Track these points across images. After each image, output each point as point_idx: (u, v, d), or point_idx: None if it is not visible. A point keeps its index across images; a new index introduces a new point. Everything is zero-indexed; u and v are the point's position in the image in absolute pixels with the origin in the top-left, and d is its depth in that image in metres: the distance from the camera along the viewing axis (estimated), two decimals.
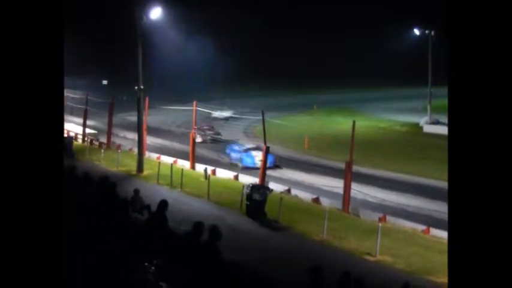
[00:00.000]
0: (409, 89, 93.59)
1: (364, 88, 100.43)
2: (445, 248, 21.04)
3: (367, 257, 22.55)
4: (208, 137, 55.77)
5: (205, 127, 57.64)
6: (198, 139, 48.69)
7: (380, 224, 24.56)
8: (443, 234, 25.47)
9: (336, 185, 33.44)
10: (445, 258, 19.90)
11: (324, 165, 42.67)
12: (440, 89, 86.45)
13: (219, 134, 57.28)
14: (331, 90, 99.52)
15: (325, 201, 31.22)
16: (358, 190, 32.19)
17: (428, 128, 63.13)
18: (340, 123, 60.90)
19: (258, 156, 40.57)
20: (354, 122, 31.84)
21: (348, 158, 30.83)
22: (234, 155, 45.16)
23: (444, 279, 20.10)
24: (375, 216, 28.30)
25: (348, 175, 30.69)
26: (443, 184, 36.06)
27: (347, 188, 30.42)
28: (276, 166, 41.51)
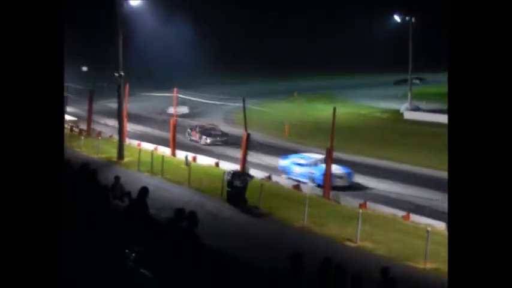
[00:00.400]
0: (390, 76, 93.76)
1: (345, 75, 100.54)
2: (425, 233, 21.23)
3: (348, 243, 22.65)
4: (218, 139, 47.36)
5: (207, 127, 49.67)
6: (203, 141, 46.41)
7: (360, 210, 24.66)
8: (423, 220, 25.67)
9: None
10: (424, 244, 19.96)
11: (305, 152, 42.72)
12: (420, 75, 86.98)
13: (226, 135, 48.19)
14: (312, 76, 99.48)
15: (305, 188, 31.27)
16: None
17: (409, 115, 63.34)
18: (321, 110, 60.92)
19: (335, 171, 32.06)
20: (334, 109, 31.86)
21: (329, 145, 30.88)
22: (298, 169, 34.30)
23: (424, 265, 20.26)
24: (355, 202, 28.39)
25: (329, 162, 30.74)
26: (423, 170, 36.41)
27: (327, 175, 30.47)
28: (353, 185, 32.99)
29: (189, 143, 47.25)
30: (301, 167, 34.12)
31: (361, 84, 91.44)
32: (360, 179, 33.92)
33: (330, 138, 31.03)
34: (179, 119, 44.97)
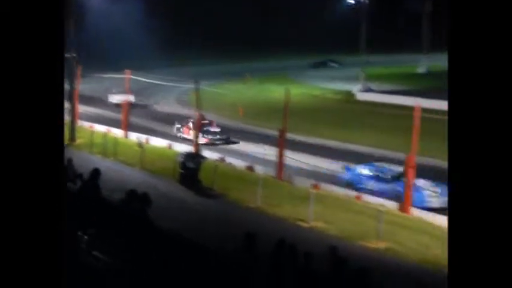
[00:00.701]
0: (343, 57, 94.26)
1: (297, 56, 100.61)
2: (376, 213, 21.45)
3: (301, 224, 22.80)
4: (217, 137, 40.47)
5: (201, 122, 38.33)
6: (199, 140, 35.95)
7: (313, 191, 24.83)
8: (375, 200, 25.96)
9: (270, 152, 33.58)
10: (376, 223, 20.16)
11: (259, 133, 42.80)
12: (373, 56, 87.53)
13: (226, 132, 41.30)
14: (265, 58, 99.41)
15: (259, 169, 31.34)
16: (292, 157, 32.38)
17: (361, 96, 63.77)
18: (274, 91, 60.96)
19: (430, 191, 26.36)
20: (286, 90, 31.95)
21: (281, 126, 30.98)
22: (377, 185, 27.94)
23: (375, 244, 20.51)
24: (308, 183, 28.55)
25: (282, 142, 30.85)
26: (375, 150, 36.70)
27: (281, 156, 30.58)
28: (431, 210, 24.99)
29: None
30: (382, 183, 27.69)
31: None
32: (313, 159, 34.12)
33: (283, 119, 31.14)
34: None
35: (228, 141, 40.27)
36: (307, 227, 22.45)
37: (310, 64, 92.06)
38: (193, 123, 39.39)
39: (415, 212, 24.78)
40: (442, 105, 51.41)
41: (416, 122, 25.88)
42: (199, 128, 36.66)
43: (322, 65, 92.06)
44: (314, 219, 22.80)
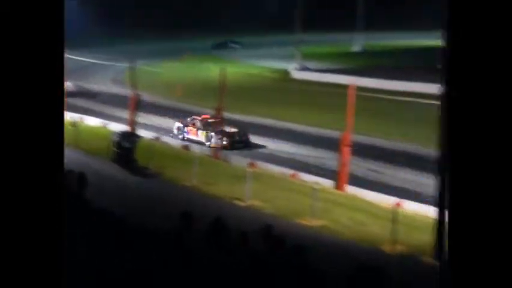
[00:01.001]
0: (279, 35, 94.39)
1: (235, 35, 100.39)
2: (311, 191, 21.61)
3: (238, 202, 22.86)
4: (237, 139, 33.05)
5: (210, 120, 34.30)
6: (214, 143, 32.42)
7: (250, 170, 24.90)
8: (310, 178, 26.18)
9: None
10: (309, 201, 20.25)
11: (197, 112, 42.64)
12: (308, 35, 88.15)
13: (245, 134, 33.83)
14: (203, 37, 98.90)
15: (196, 148, 31.27)
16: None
17: (297, 74, 64.11)
18: (212, 71, 60.77)
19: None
20: (222, 69, 31.93)
21: (218, 105, 30.94)
22: None
23: (311, 222, 20.71)
24: (245, 162, 28.63)
25: (221, 121, 30.82)
26: (309, 129, 36.94)
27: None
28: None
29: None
30: None
31: (251, 44, 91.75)
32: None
33: (220, 98, 31.10)
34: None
35: (248, 145, 33.19)
36: (244, 206, 22.52)
37: (213, 45, 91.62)
38: (201, 121, 34.19)
39: (350, 190, 25.08)
40: (378, 83, 52.56)
41: (351, 100, 26.13)
42: (211, 127, 33.03)
43: (223, 45, 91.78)
44: (250, 197, 22.88)
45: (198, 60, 75.07)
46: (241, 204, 22.69)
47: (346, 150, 25.70)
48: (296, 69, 66.09)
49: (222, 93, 30.94)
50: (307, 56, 70.32)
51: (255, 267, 9.58)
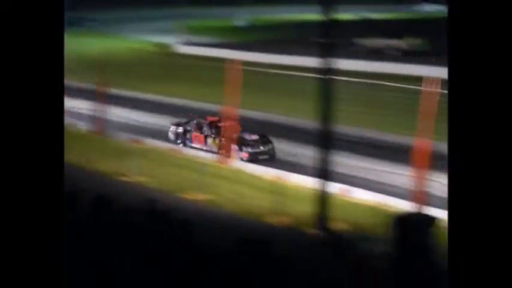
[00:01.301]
0: (164, 9, 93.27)
1: (118, 9, 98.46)
2: (199, 167, 21.80)
3: (123, 178, 22.78)
4: (261, 149, 26.21)
5: (222, 123, 27.00)
6: (238, 153, 25.99)
7: (135, 145, 24.80)
8: (196, 153, 26.34)
9: (89, 107, 32.93)
10: (195, 176, 20.53)
11: (79, 89, 41.77)
12: (194, 9, 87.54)
13: (270, 142, 26.68)
14: (81, 10, 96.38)
15: (78, 124, 30.76)
16: (114, 112, 31.93)
17: (182, 49, 63.76)
18: (94, 46, 59.60)
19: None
20: (103, 44, 31.43)
21: (99, 80, 30.49)
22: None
23: (196, 196, 20.92)
24: (129, 137, 28.43)
25: (100, 96, 30.35)
26: (196, 104, 36.88)
27: (99, 110, 30.09)
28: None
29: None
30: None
31: (134, 18, 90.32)
32: (133, 114, 33.96)
33: (104, 74, 30.65)
34: None
35: (273, 156, 26.53)
36: (130, 182, 22.47)
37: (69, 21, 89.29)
38: (209, 125, 27.68)
39: (234, 164, 25.36)
40: (263, 57, 53.06)
41: (236, 75, 26.16)
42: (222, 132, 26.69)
43: (79, 22, 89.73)
44: (136, 173, 22.84)
45: (79, 35, 73.36)
46: (127, 180, 22.63)
47: (231, 123, 25.89)
48: (181, 43, 65.67)
49: (102, 68, 30.48)
50: (192, 30, 69.91)
51: (139, 242, 9.70)
